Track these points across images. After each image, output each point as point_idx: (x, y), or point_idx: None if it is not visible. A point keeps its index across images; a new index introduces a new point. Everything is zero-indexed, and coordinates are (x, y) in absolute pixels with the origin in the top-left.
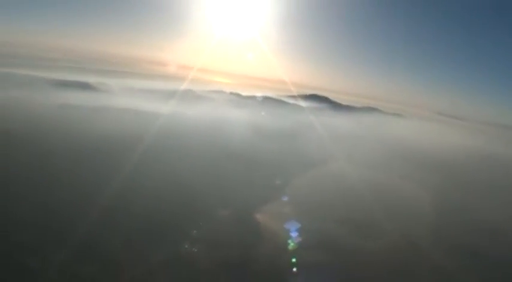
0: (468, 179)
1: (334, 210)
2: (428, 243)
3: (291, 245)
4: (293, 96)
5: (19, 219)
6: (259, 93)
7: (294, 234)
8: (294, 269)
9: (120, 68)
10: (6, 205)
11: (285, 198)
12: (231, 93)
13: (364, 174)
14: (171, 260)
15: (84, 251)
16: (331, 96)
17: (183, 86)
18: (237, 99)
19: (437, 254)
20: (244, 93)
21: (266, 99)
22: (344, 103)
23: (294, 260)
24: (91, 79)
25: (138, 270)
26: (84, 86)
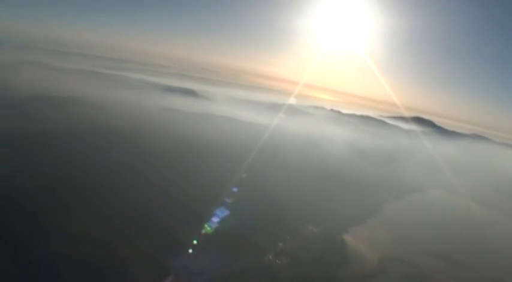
0: None
1: (428, 242)
2: None
3: (379, 271)
4: (395, 117)
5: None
6: (360, 112)
7: (382, 262)
8: None
9: (226, 79)
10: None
11: (377, 222)
12: (332, 110)
13: (465, 206)
14: (252, 268)
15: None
16: (436, 120)
17: (285, 100)
18: (337, 116)
19: None
20: (344, 111)
21: (367, 118)
22: (449, 128)
23: None
24: (196, 87)
25: (219, 273)
26: (190, 93)
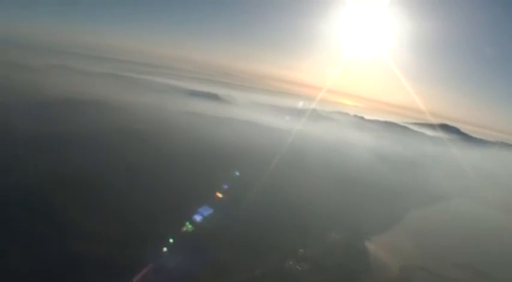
0: None
1: (453, 252)
2: None
3: (401, 280)
4: (420, 124)
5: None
6: (383, 118)
7: (405, 270)
8: None
9: (248, 83)
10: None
11: (401, 230)
12: (355, 116)
13: (492, 216)
14: (273, 273)
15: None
16: (462, 127)
17: (308, 105)
18: (361, 122)
19: None
20: (368, 117)
21: (390, 124)
22: (476, 136)
23: None
24: (219, 91)
25: (240, 277)
26: (212, 97)
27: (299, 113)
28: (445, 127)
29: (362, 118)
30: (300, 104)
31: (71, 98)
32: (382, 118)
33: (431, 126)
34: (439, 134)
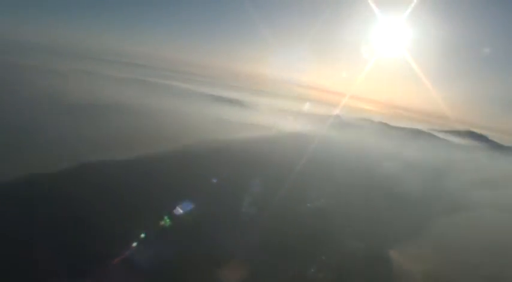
0: None
1: (479, 263)
2: None
3: None
4: (445, 131)
5: None
6: (409, 125)
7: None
8: None
9: (271, 89)
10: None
11: (425, 240)
12: (380, 123)
13: None
14: (295, 280)
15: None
16: (490, 134)
17: (331, 111)
18: (385, 129)
19: None
20: (392, 124)
21: (416, 131)
22: (505, 144)
23: None
24: (242, 96)
25: None
26: (235, 103)
27: (323, 119)
28: (472, 134)
29: (386, 125)
30: (324, 110)
31: (96, 103)
32: (406, 125)
33: (457, 133)
34: (466, 141)
